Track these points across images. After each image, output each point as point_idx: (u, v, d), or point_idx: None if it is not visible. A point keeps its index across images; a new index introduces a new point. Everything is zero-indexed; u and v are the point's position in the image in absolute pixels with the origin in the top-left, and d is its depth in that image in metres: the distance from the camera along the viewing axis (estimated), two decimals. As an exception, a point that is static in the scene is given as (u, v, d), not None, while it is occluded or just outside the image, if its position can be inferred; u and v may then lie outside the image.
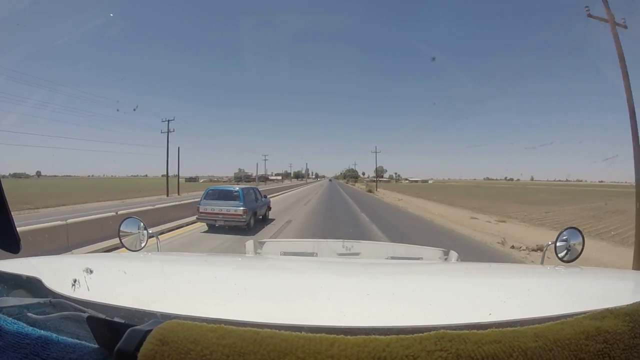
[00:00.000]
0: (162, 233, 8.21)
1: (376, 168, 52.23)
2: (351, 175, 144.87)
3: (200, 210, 9.20)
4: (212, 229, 9.19)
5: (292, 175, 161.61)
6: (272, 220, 11.59)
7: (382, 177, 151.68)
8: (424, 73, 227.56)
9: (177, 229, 9.63)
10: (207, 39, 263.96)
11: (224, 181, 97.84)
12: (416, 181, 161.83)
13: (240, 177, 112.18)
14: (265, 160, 75.01)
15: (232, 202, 9.16)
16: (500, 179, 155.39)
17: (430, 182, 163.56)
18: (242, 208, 9.01)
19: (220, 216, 9.02)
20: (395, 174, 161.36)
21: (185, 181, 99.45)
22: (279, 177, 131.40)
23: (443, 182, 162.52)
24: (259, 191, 11.18)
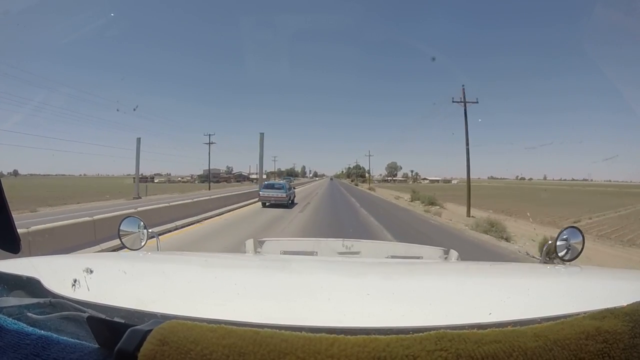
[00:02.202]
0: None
1: (468, 166, 20.15)
2: (358, 174, 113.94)
3: (260, 195, 16.60)
4: (265, 205, 16.16)
5: (284, 173, 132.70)
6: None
7: (395, 175, 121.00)
8: (424, 73, 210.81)
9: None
10: (204, 38, 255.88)
11: (184, 181, 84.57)
12: (437, 181, 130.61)
13: (206, 177, 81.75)
14: (209, 145, 44.56)
15: (279, 190, 16.74)
16: (510, 178, 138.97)
17: (454, 182, 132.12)
18: (285, 194, 16.48)
19: (272, 198, 16.19)
20: (412, 171, 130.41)
21: (134, 182, 75.31)
22: (264, 177, 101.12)
23: (471, 181, 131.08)
24: (290, 185, 21.01)
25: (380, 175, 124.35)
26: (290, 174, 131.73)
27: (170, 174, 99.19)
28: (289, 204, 16.65)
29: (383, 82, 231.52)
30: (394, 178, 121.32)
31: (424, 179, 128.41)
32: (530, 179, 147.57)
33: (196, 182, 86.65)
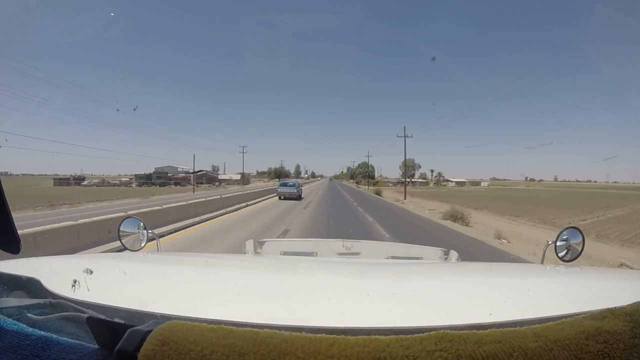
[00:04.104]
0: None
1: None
2: (365, 174, 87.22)
3: (278, 191, 22.95)
4: (280, 199, 21.85)
5: (273, 173, 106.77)
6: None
7: (412, 176, 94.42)
8: (424, 73, 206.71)
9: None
10: (201, 37, 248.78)
11: (114, 184, 65.38)
12: (463, 183, 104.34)
13: (151, 177, 61.78)
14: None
15: (291, 187, 23.22)
16: (512, 179, 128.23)
17: (484, 184, 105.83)
18: (295, 190, 22.78)
19: (287, 193, 22.34)
20: (433, 171, 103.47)
21: (54, 185, 57.62)
22: (237, 177, 73.74)
23: (502, 184, 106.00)
24: (299, 184, 26.44)
25: (381, 175, 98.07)
26: (279, 174, 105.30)
27: (127, 174, 73.41)
28: (298, 197, 22.78)
29: (383, 82, 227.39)
30: (411, 179, 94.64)
31: (447, 180, 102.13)
32: (541, 180, 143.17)
33: (134, 184, 60.27)
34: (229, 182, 64.70)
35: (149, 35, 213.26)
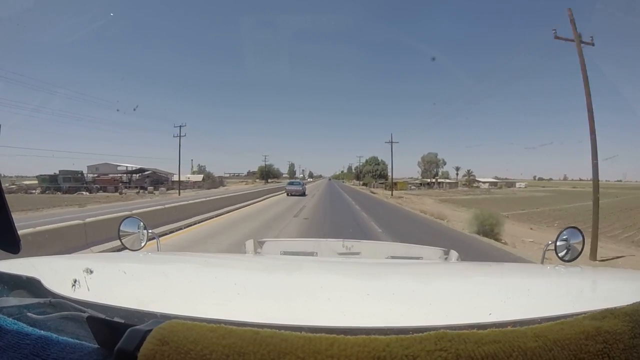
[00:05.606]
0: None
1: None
2: (375, 173, 66.96)
3: (286, 189, 28.55)
4: (288, 196, 26.16)
5: (258, 174, 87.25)
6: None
7: (436, 175, 74.35)
8: (424, 73, 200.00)
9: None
10: (198, 37, 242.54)
11: (10, 190, 39.92)
12: (495, 184, 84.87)
13: (56, 179, 40.29)
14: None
15: (297, 185, 29.61)
16: (512, 179, 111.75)
17: (519, 185, 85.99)
18: (301, 187, 28.52)
19: (293, 190, 27.47)
20: (458, 169, 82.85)
21: None
22: (197, 178, 53.03)
23: (541, 184, 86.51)
24: (303, 182, 37.39)
25: (383, 175, 77.49)
26: (266, 174, 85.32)
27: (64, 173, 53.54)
28: (303, 194, 27.22)
29: (383, 82, 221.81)
30: (437, 180, 74.25)
31: (476, 180, 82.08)
32: (550, 179, 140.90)
33: (37, 189, 38.77)
34: (186, 185, 45.27)
35: (146, 35, 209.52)
